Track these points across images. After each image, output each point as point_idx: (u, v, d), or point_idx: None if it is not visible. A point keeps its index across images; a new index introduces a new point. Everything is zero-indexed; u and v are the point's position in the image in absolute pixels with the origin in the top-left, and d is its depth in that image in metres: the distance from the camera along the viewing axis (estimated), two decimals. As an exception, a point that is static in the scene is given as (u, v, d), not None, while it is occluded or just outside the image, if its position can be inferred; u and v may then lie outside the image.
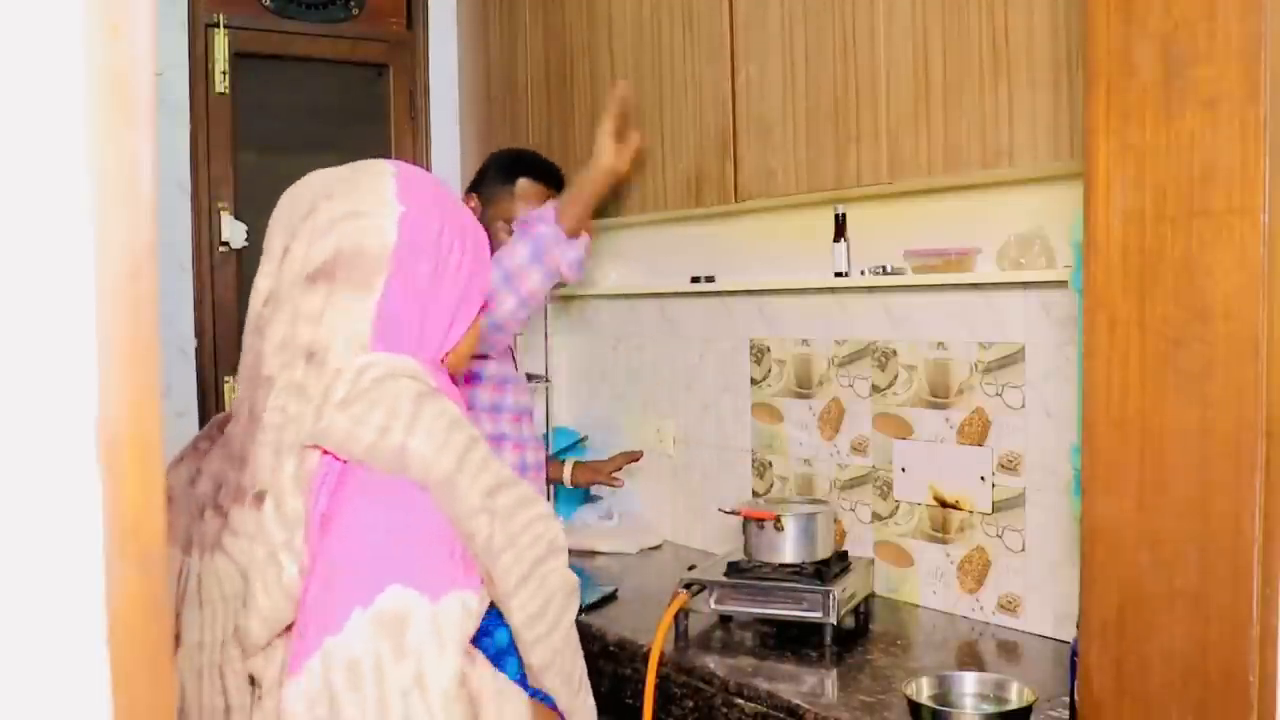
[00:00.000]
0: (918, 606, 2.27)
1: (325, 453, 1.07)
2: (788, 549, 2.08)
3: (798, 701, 1.74)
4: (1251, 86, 1.02)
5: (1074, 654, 1.47)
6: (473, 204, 2.27)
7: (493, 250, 2.12)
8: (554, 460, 2.69)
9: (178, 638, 1.11)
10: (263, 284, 1.16)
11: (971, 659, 1.98)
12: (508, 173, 2.26)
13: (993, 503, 2.15)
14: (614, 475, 2.63)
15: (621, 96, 2.16)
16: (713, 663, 1.93)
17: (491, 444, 2.16)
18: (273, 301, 1.13)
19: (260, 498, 1.06)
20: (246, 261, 2.95)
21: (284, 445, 1.07)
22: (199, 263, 2.88)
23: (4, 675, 0.46)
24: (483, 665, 1.11)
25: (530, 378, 3.20)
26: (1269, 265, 1.02)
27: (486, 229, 2.17)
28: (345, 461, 1.07)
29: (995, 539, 2.15)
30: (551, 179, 2.28)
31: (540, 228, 2.00)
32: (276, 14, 2.99)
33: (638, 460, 2.68)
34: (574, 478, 2.63)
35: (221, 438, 1.18)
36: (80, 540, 0.48)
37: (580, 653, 1.25)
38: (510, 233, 2.16)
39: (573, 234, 2.02)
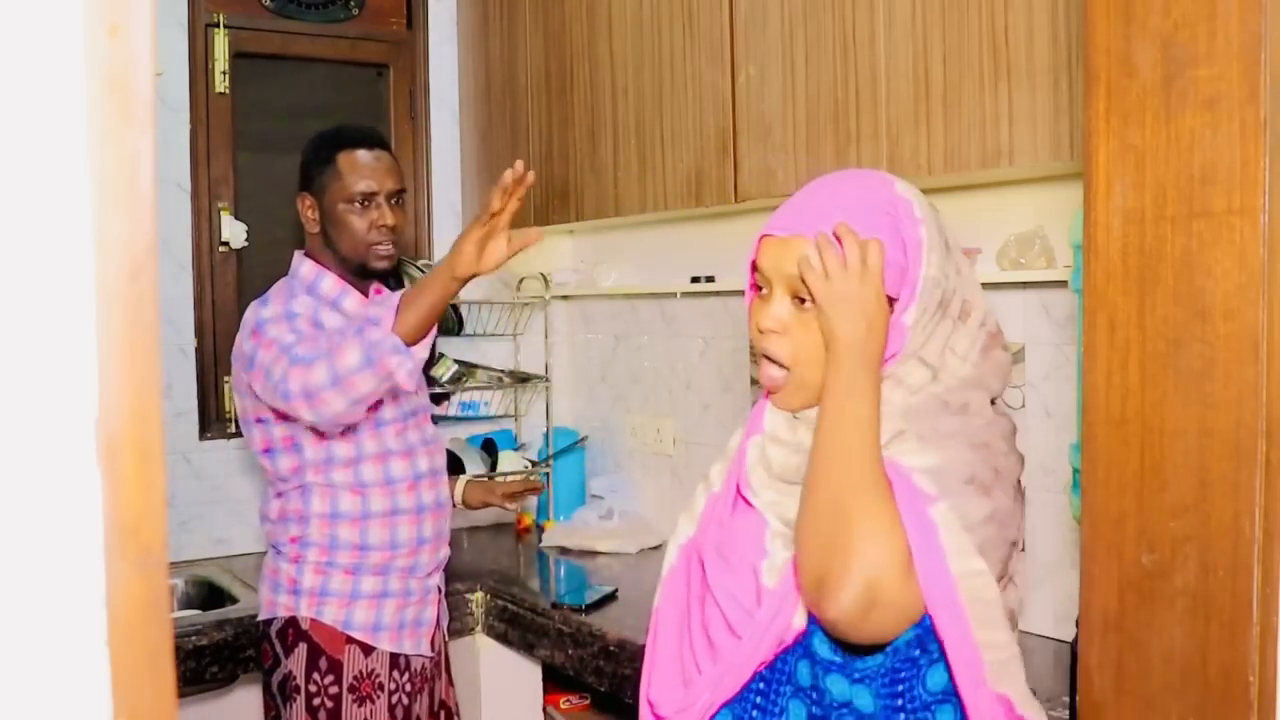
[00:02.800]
0: (918, 606, 2.27)
1: None
2: (788, 549, 2.08)
3: (798, 701, 1.74)
4: (1251, 86, 1.02)
5: (1074, 654, 1.47)
6: (308, 204, 2.08)
7: (349, 239, 2.02)
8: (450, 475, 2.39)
9: None
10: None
11: (971, 659, 1.98)
12: (325, 155, 2.06)
13: (993, 503, 2.15)
14: (509, 498, 2.46)
15: (504, 190, 1.78)
16: (713, 663, 1.93)
17: (382, 459, 2.06)
18: None
19: None
20: (246, 261, 2.96)
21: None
22: (199, 263, 2.88)
23: (4, 675, 0.46)
24: None
25: (530, 378, 3.20)
26: (1269, 265, 1.01)
27: (336, 220, 2.03)
28: None
29: (995, 539, 2.15)
30: (370, 140, 2.09)
31: (373, 333, 1.79)
32: (276, 14, 2.99)
33: (538, 492, 2.57)
34: (466, 496, 2.44)
35: None
36: (80, 540, 0.48)
37: None
38: (360, 210, 2.03)
39: (410, 340, 1.81)
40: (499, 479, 3.00)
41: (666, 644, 1.31)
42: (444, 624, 2.23)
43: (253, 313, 2.01)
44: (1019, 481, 1.25)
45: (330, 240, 2.06)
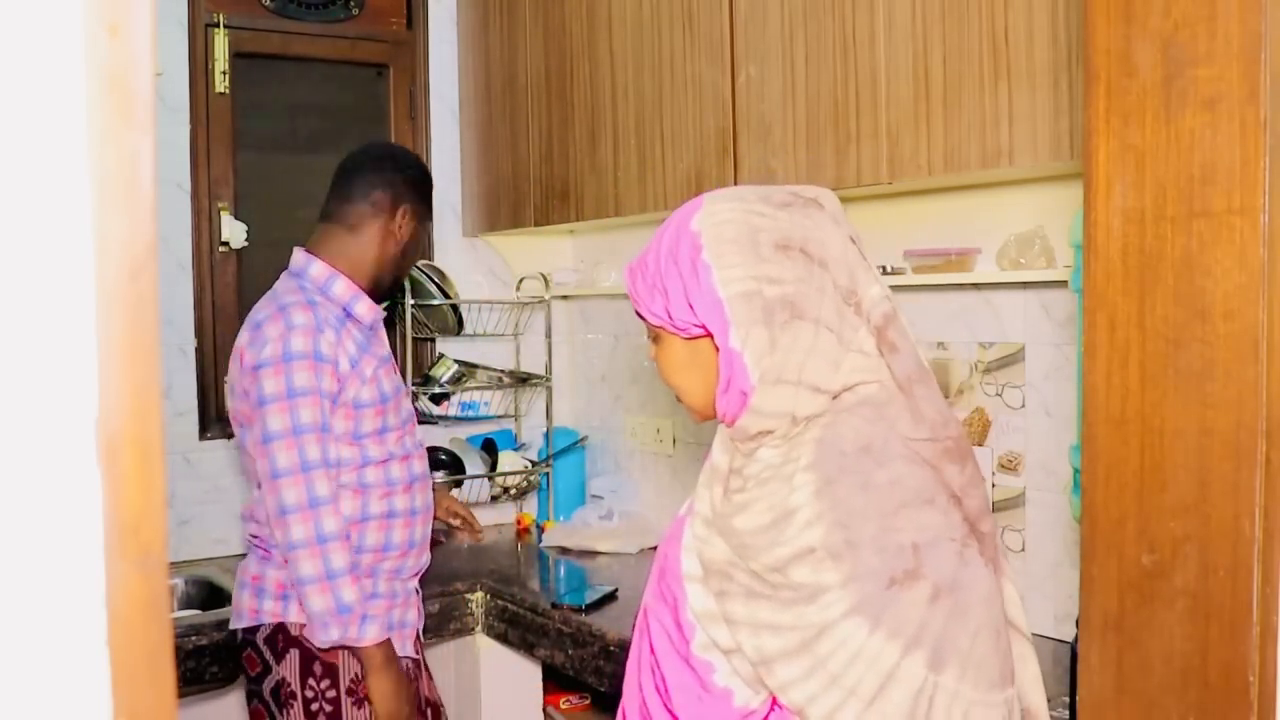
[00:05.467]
0: (918, 606, 2.27)
1: None
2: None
3: (798, 701, 1.74)
4: (1251, 86, 1.02)
5: (1074, 654, 1.47)
6: (406, 218, 2.13)
7: (405, 266, 2.15)
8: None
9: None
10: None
11: (971, 659, 1.98)
12: (429, 191, 2.21)
13: (993, 503, 2.15)
14: (450, 515, 2.46)
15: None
16: (713, 663, 1.93)
17: (381, 465, 2.04)
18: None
19: None
20: (246, 261, 2.95)
21: None
22: (199, 263, 2.88)
23: (4, 675, 0.46)
24: None
25: (530, 378, 3.20)
26: (1269, 265, 1.01)
27: (410, 248, 2.13)
28: None
29: (995, 539, 2.15)
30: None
31: (350, 597, 1.91)
32: (276, 14, 2.99)
33: (477, 536, 2.54)
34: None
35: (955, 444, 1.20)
36: (80, 540, 0.48)
37: None
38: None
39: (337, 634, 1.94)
40: (498, 479, 3.01)
41: (629, 665, 1.28)
42: (420, 627, 2.21)
43: (277, 335, 1.93)
44: (968, 539, 1.14)
45: (388, 256, 2.11)
